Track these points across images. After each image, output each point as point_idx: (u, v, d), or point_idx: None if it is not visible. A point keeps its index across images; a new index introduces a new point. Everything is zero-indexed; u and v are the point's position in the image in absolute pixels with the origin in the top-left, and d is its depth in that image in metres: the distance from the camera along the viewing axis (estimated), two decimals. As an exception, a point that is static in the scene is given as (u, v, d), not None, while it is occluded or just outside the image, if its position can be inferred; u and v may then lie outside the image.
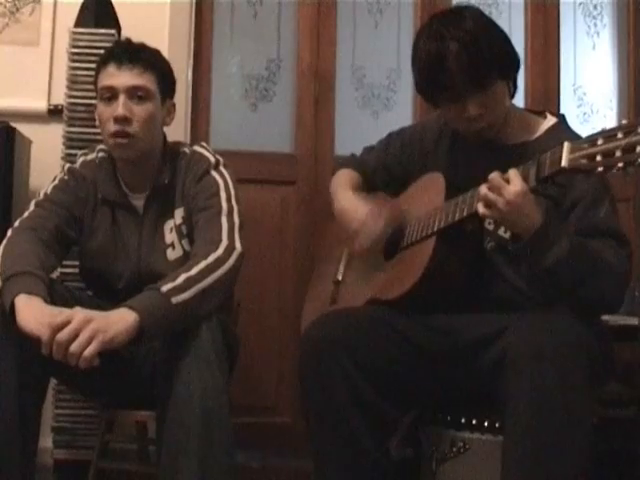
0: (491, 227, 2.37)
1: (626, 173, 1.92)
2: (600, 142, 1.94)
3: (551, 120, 2.48)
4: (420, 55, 2.37)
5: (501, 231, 2.32)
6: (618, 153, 1.90)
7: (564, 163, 2.00)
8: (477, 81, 2.28)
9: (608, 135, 1.94)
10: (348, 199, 2.66)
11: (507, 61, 2.36)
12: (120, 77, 2.59)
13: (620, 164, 1.90)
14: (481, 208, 2.17)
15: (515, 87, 2.44)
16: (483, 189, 2.15)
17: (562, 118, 2.50)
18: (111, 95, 2.60)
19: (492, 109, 2.34)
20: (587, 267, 2.17)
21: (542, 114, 2.53)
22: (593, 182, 2.27)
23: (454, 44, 2.27)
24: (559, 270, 2.15)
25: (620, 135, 1.91)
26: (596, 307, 2.24)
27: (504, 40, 2.37)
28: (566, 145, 2.01)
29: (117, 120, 2.57)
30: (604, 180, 2.30)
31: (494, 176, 2.14)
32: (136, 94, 2.60)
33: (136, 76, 2.59)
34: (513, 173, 2.13)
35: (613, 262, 2.22)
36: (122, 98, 2.58)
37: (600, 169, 1.94)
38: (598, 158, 1.93)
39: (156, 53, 2.71)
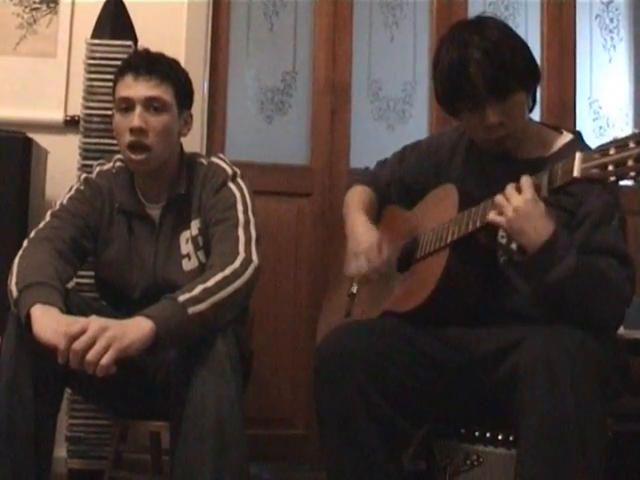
0: (504, 241, 2.36)
1: (638, 182, 1.92)
2: (612, 152, 1.94)
3: (567, 136, 2.47)
4: (442, 62, 2.36)
5: (513, 245, 2.32)
6: (630, 162, 1.90)
7: (576, 173, 2.01)
8: (498, 89, 2.28)
9: (620, 145, 1.94)
10: (359, 222, 2.65)
11: (528, 72, 2.36)
12: (137, 88, 2.60)
13: (632, 173, 1.91)
14: (491, 214, 2.18)
15: (534, 101, 2.44)
16: (497, 197, 2.17)
17: (578, 135, 2.49)
18: (127, 106, 2.60)
19: (512, 118, 2.34)
20: (591, 286, 2.17)
21: (558, 130, 2.52)
22: (604, 199, 2.28)
23: (477, 52, 2.27)
24: (563, 287, 2.15)
25: (632, 145, 1.91)
26: (595, 326, 2.19)
27: (526, 51, 2.38)
28: (578, 155, 2.02)
29: (133, 131, 2.58)
30: (616, 198, 2.31)
31: (507, 186, 2.15)
32: (152, 105, 2.60)
33: (153, 87, 2.60)
34: (525, 180, 2.14)
35: (616, 283, 2.22)
36: (138, 109, 2.58)
37: (612, 178, 1.95)
38: (610, 168, 1.94)
39: (174, 64, 2.71)
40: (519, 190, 2.14)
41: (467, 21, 2.47)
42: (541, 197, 2.12)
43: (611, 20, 4.55)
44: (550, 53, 4.38)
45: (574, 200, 2.27)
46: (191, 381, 2.28)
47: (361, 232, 2.60)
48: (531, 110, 2.45)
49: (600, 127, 4.49)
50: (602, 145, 1.99)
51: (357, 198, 2.77)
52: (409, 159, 2.73)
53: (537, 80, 2.42)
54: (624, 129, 4.50)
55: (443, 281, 2.31)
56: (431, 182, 2.62)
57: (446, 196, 2.48)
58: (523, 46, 2.38)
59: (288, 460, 3.92)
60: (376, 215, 2.75)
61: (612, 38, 4.55)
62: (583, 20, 4.48)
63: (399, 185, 2.75)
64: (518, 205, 2.12)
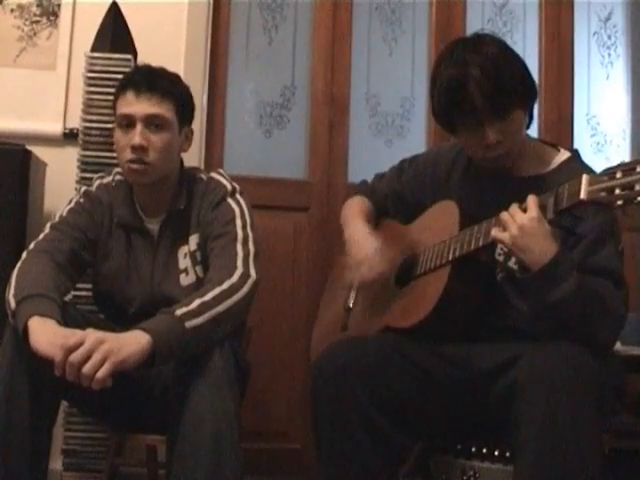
0: (501, 258, 2.36)
1: None
2: (619, 175, 1.92)
3: (565, 154, 2.47)
4: (441, 80, 2.35)
5: (511, 262, 2.32)
6: (637, 187, 1.88)
7: (583, 196, 1.99)
8: (497, 108, 2.27)
9: (627, 168, 1.92)
10: (358, 229, 2.65)
11: (527, 90, 2.36)
12: (138, 105, 2.59)
13: (639, 198, 1.89)
14: (494, 231, 2.18)
15: (531, 118, 2.43)
16: (502, 214, 2.17)
17: (576, 153, 2.49)
18: (128, 123, 2.60)
19: (510, 136, 2.33)
20: (589, 307, 2.16)
21: (555, 147, 2.52)
22: (602, 220, 2.27)
23: (476, 70, 2.27)
24: (562, 307, 2.14)
25: (639, 169, 1.90)
26: (590, 345, 2.17)
27: (524, 68, 2.37)
28: (585, 177, 2.00)
29: (134, 149, 2.57)
30: (614, 218, 2.31)
31: (513, 205, 2.16)
32: (153, 123, 2.60)
33: (154, 105, 2.59)
34: (531, 200, 2.13)
35: (612, 304, 2.21)
36: (139, 127, 2.58)
37: (619, 202, 1.92)
38: (617, 191, 1.92)
39: (176, 79, 2.71)
40: (524, 209, 2.14)
41: (465, 38, 2.46)
42: (546, 218, 2.11)
43: (609, 37, 4.57)
44: (548, 69, 4.39)
45: (572, 218, 2.25)
46: (188, 395, 2.27)
47: (361, 239, 2.60)
48: (528, 127, 2.45)
49: (598, 143, 4.50)
50: (609, 168, 1.97)
51: (355, 207, 2.78)
52: (407, 173, 2.73)
53: (534, 98, 2.41)
54: (621, 145, 4.51)
55: (444, 298, 2.31)
56: (428, 197, 2.62)
57: (447, 213, 2.48)
58: (521, 64, 2.38)
59: (283, 474, 3.91)
60: (374, 226, 2.74)
61: (610, 55, 4.57)
62: (581, 37, 4.50)
63: (396, 198, 2.75)
64: (523, 223, 2.11)
